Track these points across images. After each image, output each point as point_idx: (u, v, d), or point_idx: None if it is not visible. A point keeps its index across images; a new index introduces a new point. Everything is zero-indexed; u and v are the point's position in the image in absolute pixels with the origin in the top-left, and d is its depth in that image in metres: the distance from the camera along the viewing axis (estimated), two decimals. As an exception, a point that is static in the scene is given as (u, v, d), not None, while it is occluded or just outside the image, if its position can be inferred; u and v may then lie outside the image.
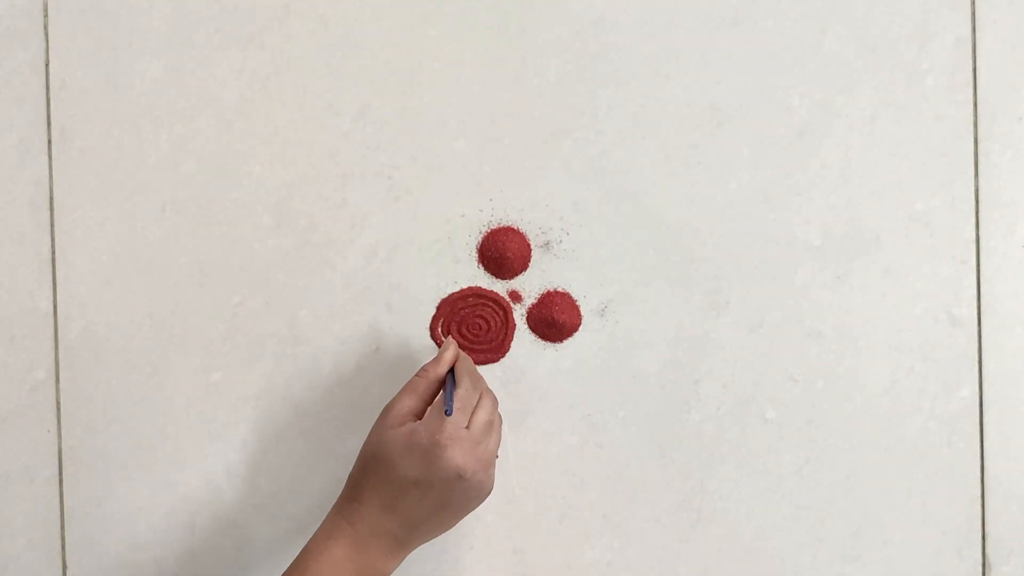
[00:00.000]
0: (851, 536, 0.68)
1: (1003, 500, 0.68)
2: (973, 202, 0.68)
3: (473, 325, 0.67)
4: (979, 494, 0.68)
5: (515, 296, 0.68)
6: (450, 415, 0.58)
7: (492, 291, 0.67)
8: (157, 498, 0.67)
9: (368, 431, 0.61)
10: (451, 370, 0.63)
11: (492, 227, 0.67)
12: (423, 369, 0.62)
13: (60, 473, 0.67)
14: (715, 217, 0.68)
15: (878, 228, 0.68)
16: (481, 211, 0.67)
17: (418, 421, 0.59)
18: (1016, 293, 0.68)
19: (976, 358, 0.68)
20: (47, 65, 0.67)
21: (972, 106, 0.68)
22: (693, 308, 0.68)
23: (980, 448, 0.68)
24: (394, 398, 0.61)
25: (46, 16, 0.67)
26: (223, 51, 0.67)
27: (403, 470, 0.57)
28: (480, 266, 0.67)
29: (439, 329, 0.67)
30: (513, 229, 0.67)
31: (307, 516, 0.68)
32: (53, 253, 0.67)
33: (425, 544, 0.60)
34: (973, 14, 0.67)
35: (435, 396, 0.62)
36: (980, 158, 0.68)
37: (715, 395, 0.68)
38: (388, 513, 0.58)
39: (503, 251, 0.67)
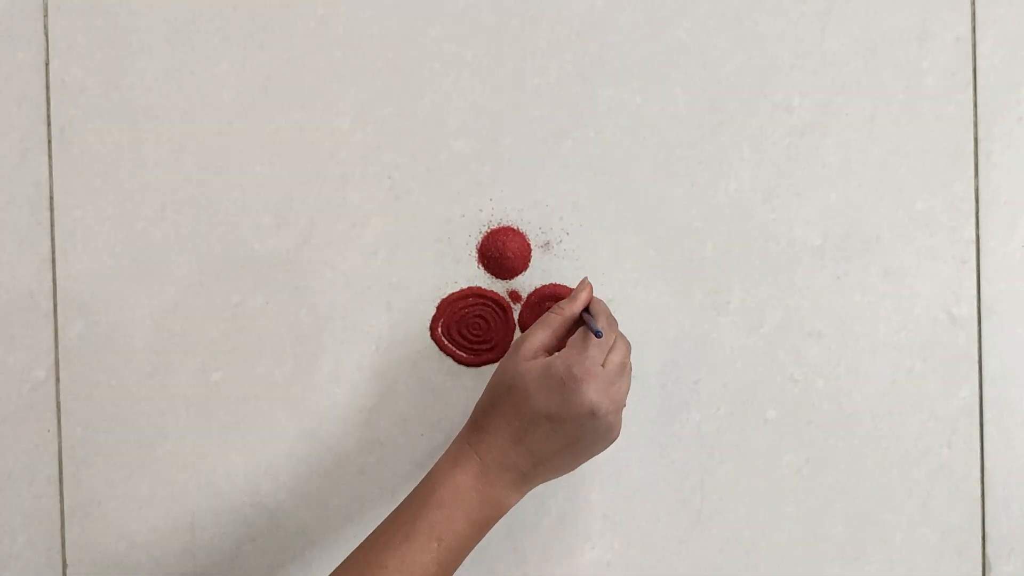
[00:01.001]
0: (851, 536, 0.68)
1: (1003, 500, 0.68)
2: (973, 202, 0.68)
3: (473, 325, 0.67)
4: (979, 494, 0.68)
5: (515, 296, 0.68)
6: (601, 336, 0.57)
7: (492, 291, 0.67)
8: (157, 498, 0.67)
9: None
10: (586, 309, 0.62)
11: (492, 227, 0.68)
12: (558, 306, 0.62)
13: (60, 473, 0.67)
14: (715, 217, 0.68)
15: (878, 228, 0.68)
16: (481, 211, 0.67)
17: (553, 355, 0.59)
18: (1016, 293, 0.68)
19: (976, 358, 0.68)
20: (47, 65, 0.67)
21: (972, 106, 0.68)
22: (693, 308, 0.68)
23: (980, 448, 0.68)
24: (527, 332, 0.61)
25: (46, 16, 0.67)
26: (223, 51, 0.67)
27: (536, 402, 0.57)
28: (480, 266, 0.68)
29: (439, 329, 0.67)
30: (513, 229, 0.67)
31: (307, 516, 0.68)
32: (53, 253, 0.67)
33: (468, 555, 0.59)
34: (973, 14, 0.67)
35: (568, 334, 0.61)
36: (980, 158, 0.68)
37: (715, 395, 0.68)
38: (516, 445, 0.57)
39: (503, 251, 0.67)
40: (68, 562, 0.67)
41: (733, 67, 0.67)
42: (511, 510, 0.59)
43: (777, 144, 0.68)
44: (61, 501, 0.67)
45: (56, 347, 0.67)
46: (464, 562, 0.58)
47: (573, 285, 0.67)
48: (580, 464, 0.60)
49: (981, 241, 0.68)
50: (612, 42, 0.67)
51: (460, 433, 0.60)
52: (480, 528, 0.57)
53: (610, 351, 0.59)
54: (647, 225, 0.68)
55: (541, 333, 0.60)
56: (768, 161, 0.68)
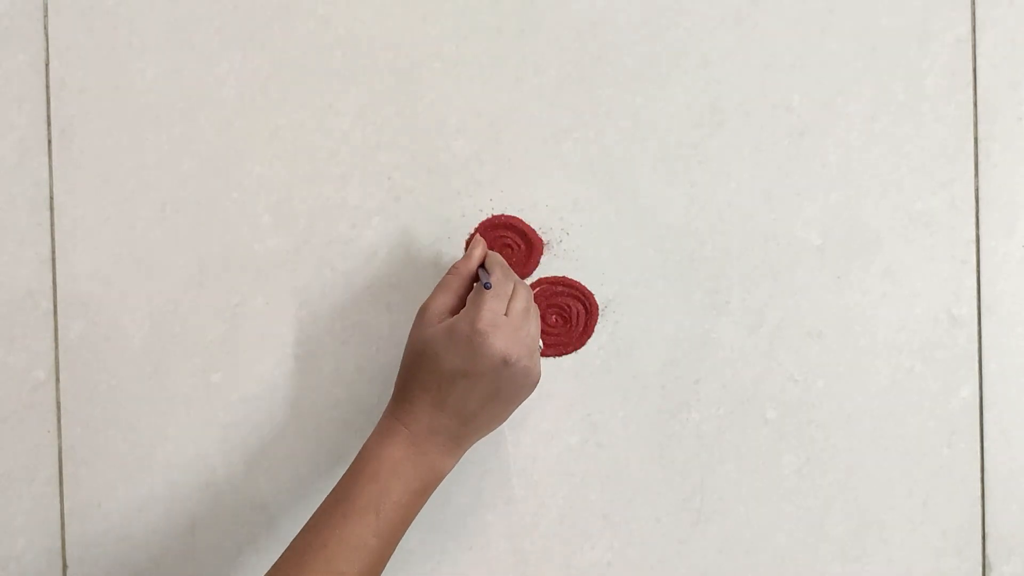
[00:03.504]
0: (851, 536, 0.68)
1: (1003, 500, 0.68)
2: (973, 202, 0.68)
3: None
4: (979, 494, 0.68)
5: None
6: (490, 288, 0.58)
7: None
8: (157, 498, 0.67)
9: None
10: (481, 266, 0.63)
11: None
12: (454, 267, 0.63)
13: (60, 473, 0.67)
14: (715, 217, 0.68)
15: (878, 228, 0.68)
16: (481, 211, 0.67)
17: (456, 315, 0.59)
18: (1016, 293, 0.68)
19: (976, 358, 0.68)
20: (47, 65, 0.67)
21: (972, 106, 0.68)
22: (693, 308, 0.68)
23: (980, 448, 0.68)
24: (428, 298, 0.61)
25: (46, 16, 0.67)
26: (223, 51, 0.67)
27: (448, 363, 0.57)
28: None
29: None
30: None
31: (306, 515, 0.68)
32: (53, 253, 0.67)
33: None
34: (973, 14, 0.67)
35: (468, 292, 0.62)
36: (980, 158, 0.68)
37: (715, 395, 0.68)
38: (439, 409, 0.58)
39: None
40: (68, 562, 0.67)
41: (733, 67, 0.67)
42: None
43: (777, 144, 0.68)
44: (61, 501, 0.67)
45: (56, 347, 0.67)
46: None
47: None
48: (509, 414, 0.61)
49: (981, 241, 0.68)
50: (612, 42, 0.67)
51: (385, 409, 0.60)
52: (418, 495, 0.58)
53: (512, 299, 0.59)
54: (647, 225, 0.68)
55: (442, 296, 0.61)
56: (768, 161, 0.68)
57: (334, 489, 0.58)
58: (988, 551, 0.68)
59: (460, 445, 0.59)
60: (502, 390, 0.58)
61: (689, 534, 0.68)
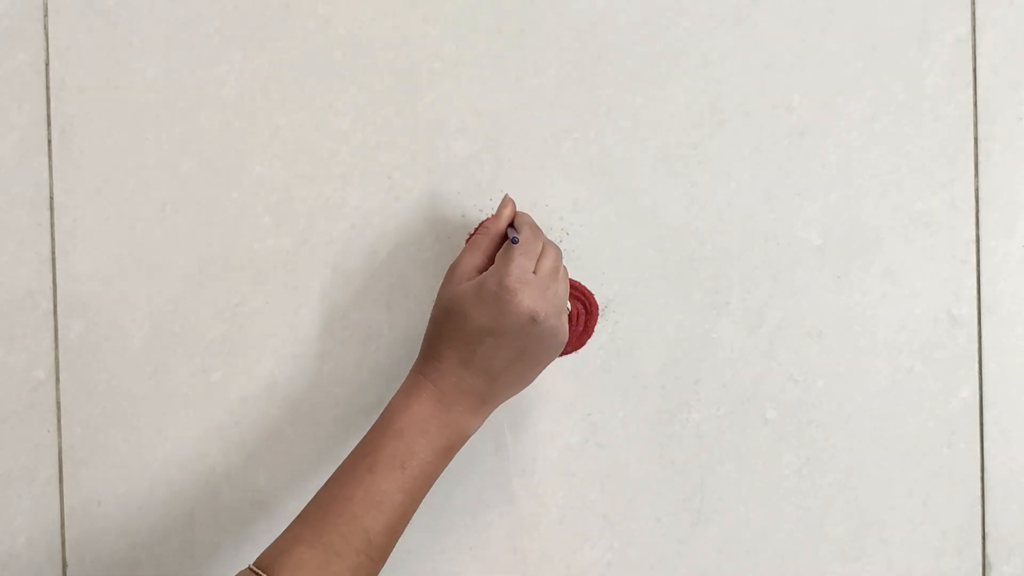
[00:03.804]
0: (851, 536, 0.68)
1: (1003, 500, 0.68)
2: (973, 202, 0.68)
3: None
4: (979, 494, 0.68)
5: None
6: (518, 243, 0.58)
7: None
8: (157, 497, 0.67)
9: (367, 430, 0.61)
10: (511, 225, 0.63)
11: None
12: (482, 225, 0.63)
13: (60, 473, 0.67)
14: (715, 217, 0.68)
15: (878, 228, 0.68)
16: (481, 211, 0.67)
17: (485, 272, 0.59)
18: (1016, 293, 0.68)
19: (976, 358, 0.68)
20: (47, 65, 0.67)
21: (972, 106, 0.68)
22: (693, 308, 0.68)
23: (980, 448, 0.68)
24: (457, 258, 0.61)
25: (46, 16, 0.67)
26: (223, 51, 0.67)
27: (476, 320, 0.57)
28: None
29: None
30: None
31: (307, 516, 0.68)
32: (53, 253, 0.67)
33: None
34: (973, 14, 0.67)
35: (497, 251, 0.61)
36: (980, 158, 0.68)
37: (715, 395, 0.68)
38: (466, 367, 0.58)
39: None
40: (68, 562, 0.67)
41: (733, 67, 0.67)
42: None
43: (777, 144, 0.68)
44: (61, 501, 0.67)
45: (56, 347, 0.67)
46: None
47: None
48: (536, 375, 0.60)
49: (981, 241, 0.68)
50: (612, 42, 0.67)
51: (413, 366, 0.60)
52: (444, 454, 0.58)
53: (540, 258, 0.59)
54: (647, 225, 0.68)
55: (471, 255, 0.61)
56: (768, 161, 0.68)
57: (360, 444, 0.58)
58: (988, 551, 0.68)
59: (486, 404, 0.59)
60: (529, 348, 0.58)
61: (689, 534, 0.68)
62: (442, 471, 0.58)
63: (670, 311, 0.68)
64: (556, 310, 0.58)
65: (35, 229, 0.67)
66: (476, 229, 0.66)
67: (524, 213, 0.64)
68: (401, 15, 0.67)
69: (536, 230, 0.62)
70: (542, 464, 0.68)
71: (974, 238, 0.68)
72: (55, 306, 0.67)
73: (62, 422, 0.67)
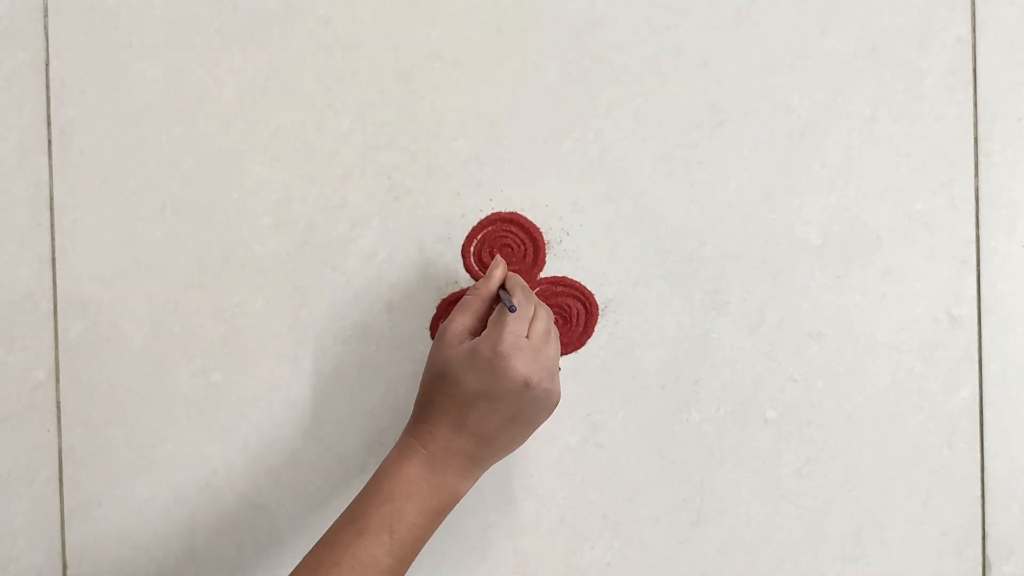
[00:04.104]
0: (851, 536, 0.68)
1: (1003, 500, 0.68)
2: (973, 202, 0.68)
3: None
4: (979, 494, 0.68)
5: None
6: (515, 311, 0.58)
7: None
8: (157, 498, 0.67)
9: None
10: (502, 287, 0.63)
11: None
12: (474, 288, 0.62)
13: (60, 473, 0.67)
14: (715, 217, 0.68)
15: (878, 228, 0.68)
16: (481, 211, 0.67)
17: (476, 337, 0.59)
18: (1016, 293, 0.68)
19: (976, 358, 0.68)
20: (47, 65, 0.67)
21: (972, 106, 0.68)
22: (693, 308, 0.68)
23: (980, 448, 0.68)
24: (448, 319, 0.61)
25: (46, 16, 0.67)
26: (223, 51, 0.67)
27: (468, 385, 0.57)
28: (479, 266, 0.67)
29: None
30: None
31: (307, 516, 0.68)
32: (53, 253, 0.67)
33: (424, 546, 0.60)
34: (973, 14, 0.67)
35: (488, 314, 0.62)
36: (980, 158, 0.68)
37: (715, 395, 0.68)
38: (459, 431, 0.58)
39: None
40: (68, 563, 0.67)
41: (733, 67, 0.67)
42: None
43: (777, 144, 0.68)
44: (61, 501, 0.67)
45: (56, 347, 0.67)
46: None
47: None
48: (528, 436, 0.60)
49: (981, 241, 0.68)
50: (612, 42, 0.67)
51: (404, 429, 0.60)
52: (434, 517, 0.58)
53: (532, 321, 0.59)
54: (647, 225, 0.68)
55: (462, 317, 0.61)
56: (768, 161, 0.68)
57: (349, 507, 0.58)
58: (988, 551, 0.68)
59: (477, 467, 0.59)
60: (522, 413, 0.58)
61: (689, 534, 0.68)
62: (432, 534, 0.58)
63: (670, 311, 0.68)
64: (549, 373, 0.59)
65: (35, 229, 0.67)
66: (481, 222, 0.66)
67: (514, 275, 0.64)
68: (401, 15, 0.67)
69: (528, 292, 0.62)
70: (542, 464, 0.68)
71: (974, 238, 0.68)
72: (55, 306, 0.67)
73: (62, 422, 0.67)
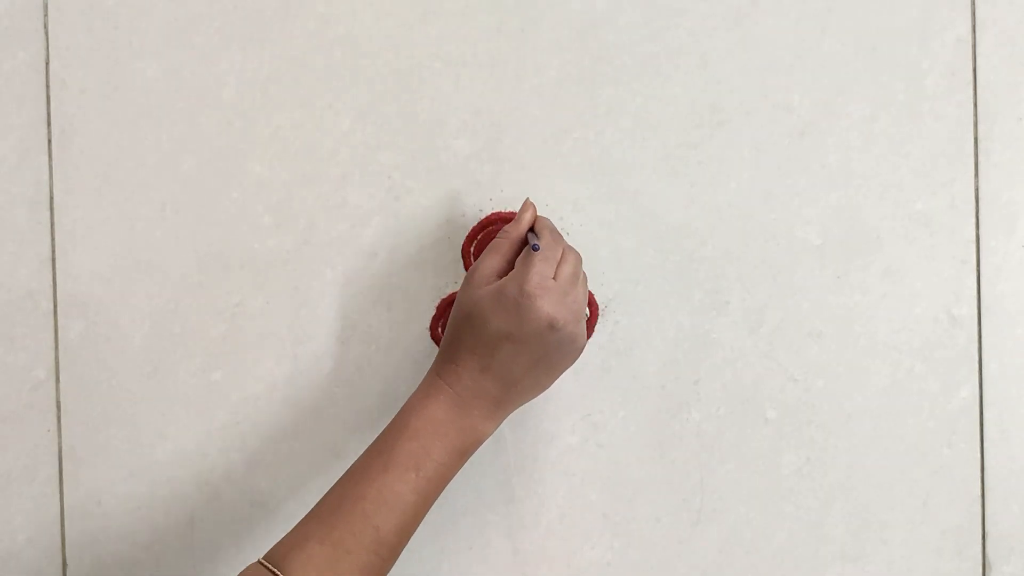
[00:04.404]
0: (851, 536, 0.68)
1: (1003, 500, 0.68)
2: (973, 202, 0.68)
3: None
4: (979, 494, 0.68)
5: None
6: (538, 250, 0.58)
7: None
8: (157, 498, 0.67)
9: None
10: (531, 230, 0.62)
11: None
12: (504, 231, 0.62)
13: (60, 473, 0.67)
14: (715, 217, 0.68)
15: (878, 228, 0.68)
16: (481, 211, 0.67)
17: (505, 277, 0.59)
18: (1016, 293, 0.68)
19: (976, 358, 0.68)
20: (47, 65, 0.67)
21: (972, 106, 0.68)
22: (693, 308, 0.68)
23: (980, 448, 0.68)
24: (478, 260, 0.61)
25: (46, 16, 0.67)
26: (223, 51, 0.67)
27: (495, 325, 0.57)
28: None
29: (439, 329, 0.67)
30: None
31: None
32: (53, 253, 0.67)
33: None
34: (973, 14, 0.67)
35: (517, 256, 0.61)
36: (980, 158, 0.68)
37: (715, 395, 0.68)
38: (484, 372, 0.58)
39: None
40: (68, 561, 0.68)
41: (733, 67, 0.67)
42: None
43: (777, 144, 0.68)
44: (61, 500, 0.67)
45: (56, 347, 0.67)
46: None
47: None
48: (553, 381, 0.60)
49: (981, 241, 0.68)
50: (612, 42, 0.67)
51: (431, 367, 0.60)
52: (459, 456, 0.58)
53: (560, 263, 0.59)
54: (647, 225, 0.68)
55: (491, 259, 0.61)
56: (768, 161, 0.68)
57: (374, 443, 0.58)
58: (988, 551, 0.68)
59: (502, 409, 0.59)
60: (548, 355, 0.58)
61: (689, 534, 0.68)
62: (455, 473, 0.58)
63: (670, 311, 0.68)
64: (575, 316, 0.58)
65: (35, 229, 0.67)
66: (481, 222, 0.66)
67: (544, 218, 0.64)
68: (401, 15, 0.67)
69: (556, 235, 0.62)
70: (542, 464, 0.68)
71: (974, 238, 0.68)
72: (55, 306, 0.67)
73: (62, 422, 0.67)
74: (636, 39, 0.67)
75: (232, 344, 0.67)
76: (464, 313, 0.59)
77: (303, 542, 0.54)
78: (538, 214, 0.64)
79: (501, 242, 0.62)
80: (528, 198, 0.64)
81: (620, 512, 0.68)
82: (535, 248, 0.59)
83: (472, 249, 0.67)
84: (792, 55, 0.67)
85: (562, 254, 0.60)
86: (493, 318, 0.57)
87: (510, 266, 0.61)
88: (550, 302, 0.57)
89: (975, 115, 0.68)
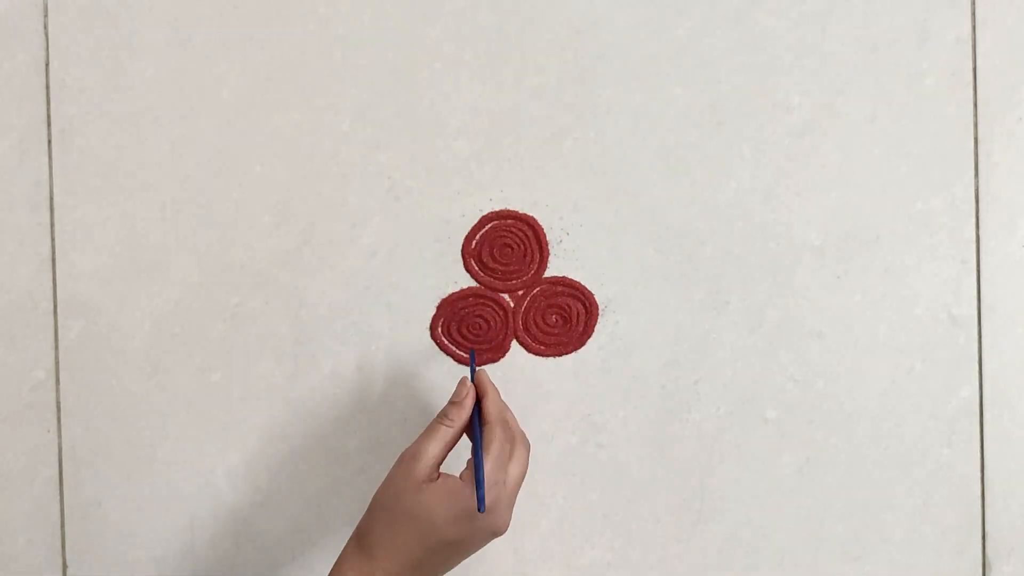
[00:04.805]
0: (851, 536, 0.68)
1: (1003, 500, 0.68)
2: (973, 202, 0.68)
3: (473, 325, 0.67)
4: (979, 494, 0.68)
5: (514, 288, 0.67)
6: (483, 512, 0.54)
7: (492, 291, 0.67)
8: (157, 498, 0.67)
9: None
10: (479, 414, 0.59)
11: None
12: (447, 418, 0.58)
13: (60, 473, 0.67)
14: (715, 217, 0.68)
15: (878, 228, 0.68)
16: (481, 211, 0.67)
17: (454, 479, 0.56)
18: (1016, 293, 0.68)
19: (976, 358, 0.68)
20: (47, 65, 0.67)
21: (972, 106, 0.68)
22: (693, 308, 0.68)
23: (980, 448, 0.68)
24: (418, 447, 0.57)
25: (46, 16, 0.67)
26: (223, 51, 0.67)
27: (444, 533, 0.55)
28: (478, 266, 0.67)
29: (439, 329, 0.67)
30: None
31: (307, 516, 0.68)
32: (53, 253, 0.67)
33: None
34: (973, 14, 0.67)
35: (459, 439, 0.59)
36: (980, 158, 0.68)
37: (715, 395, 0.68)
38: (412, 571, 0.55)
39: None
40: (68, 562, 0.67)
41: (733, 67, 0.67)
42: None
43: (777, 144, 0.68)
44: (61, 501, 0.67)
45: (56, 347, 0.67)
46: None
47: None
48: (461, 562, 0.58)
49: (981, 241, 0.68)
50: (612, 42, 0.67)
51: (345, 551, 0.57)
52: None
53: (510, 461, 0.57)
54: (647, 225, 0.68)
55: (433, 448, 0.57)
56: (768, 161, 0.68)
57: None
58: (988, 551, 0.68)
59: None
60: (472, 549, 0.57)
61: (689, 534, 0.68)
62: None
63: (670, 311, 0.68)
64: (511, 510, 0.57)
65: (35, 229, 0.67)
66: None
67: (489, 391, 0.60)
68: (401, 15, 0.67)
69: (505, 424, 0.58)
70: (542, 464, 0.68)
71: (974, 238, 0.68)
72: (55, 306, 0.67)
73: (62, 422, 0.67)
74: (636, 39, 0.67)
75: (232, 344, 0.67)
76: (405, 510, 0.55)
77: None
78: (492, 392, 0.60)
79: (444, 430, 0.58)
80: (465, 377, 0.60)
81: (620, 512, 0.68)
82: (480, 510, 0.54)
83: (472, 249, 0.67)
84: (792, 55, 0.67)
85: (512, 451, 0.58)
86: (444, 525, 0.55)
87: (448, 452, 0.58)
88: (501, 515, 0.56)
89: (975, 115, 0.68)
